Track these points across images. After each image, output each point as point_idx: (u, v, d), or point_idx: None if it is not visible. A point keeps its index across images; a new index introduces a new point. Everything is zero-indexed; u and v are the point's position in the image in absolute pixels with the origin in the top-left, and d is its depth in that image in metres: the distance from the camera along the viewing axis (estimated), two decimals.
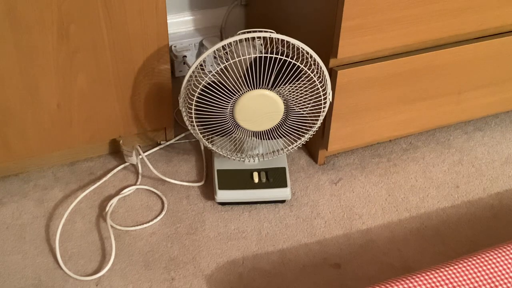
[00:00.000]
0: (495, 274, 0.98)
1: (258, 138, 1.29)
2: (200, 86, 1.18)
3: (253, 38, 1.17)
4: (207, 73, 1.18)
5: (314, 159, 1.47)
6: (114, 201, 1.34)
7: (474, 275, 0.98)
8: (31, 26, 1.14)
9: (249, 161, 1.35)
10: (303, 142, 1.31)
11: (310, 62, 1.17)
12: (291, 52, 1.16)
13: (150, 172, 1.41)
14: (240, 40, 1.17)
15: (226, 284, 1.21)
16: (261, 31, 1.15)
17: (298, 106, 1.24)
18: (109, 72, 1.27)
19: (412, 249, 1.28)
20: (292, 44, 1.16)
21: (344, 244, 1.29)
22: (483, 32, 1.34)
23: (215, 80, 1.18)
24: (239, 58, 1.15)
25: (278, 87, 1.19)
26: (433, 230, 1.32)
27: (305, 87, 1.21)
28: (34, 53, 1.18)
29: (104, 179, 1.39)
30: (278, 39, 1.15)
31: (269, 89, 1.19)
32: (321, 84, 1.20)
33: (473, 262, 1.00)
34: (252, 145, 1.33)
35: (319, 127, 1.28)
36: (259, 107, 1.21)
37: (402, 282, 0.96)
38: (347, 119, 1.34)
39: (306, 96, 1.22)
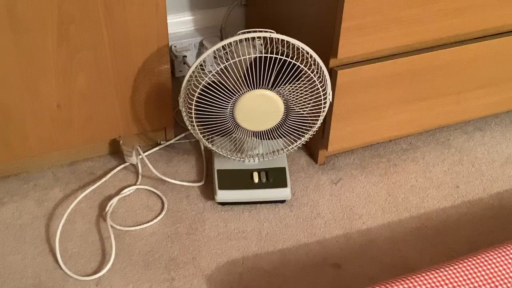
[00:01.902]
0: (495, 274, 0.98)
1: (258, 138, 1.29)
2: (200, 86, 1.18)
3: (253, 38, 1.17)
4: (207, 73, 1.18)
5: (314, 159, 1.47)
6: (114, 201, 1.34)
7: (474, 275, 0.98)
8: (31, 26, 1.14)
9: (249, 161, 1.35)
10: (303, 142, 1.31)
11: (310, 62, 1.17)
12: (291, 52, 1.16)
13: (150, 172, 1.41)
14: (240, 40, 1.17)
15: (226, 284, 1.21)
16: (261, 31, 1.15)
17: (298, 106, 1.24)
18: (109, 72, 1.27)
19: (412, 249, 1.28)
20: (292, 44, 1.16)
21: (344, 244, 1.29)
22: (483, 32, 1.34)
23: (215, 80, 1.18)
24: (239, 58, 1.15)
25: (278, 87, 1.19)
26: (433, 230, 1.32)
27: (305, 87, 1.21)
28: (34, 53, 1.18)
29: (104, 179, 1.39)
30: (278, 39, 1.15)
31: (269, 89, 1.19)
32: (321, 84, 1.20)
33: (473, 262, 1.00)
34: (252, 145, 1.33)
35: (319, 127, 1.28)
36: (259, 107, 1.21)
37: (402, 282, 0.96)
38: (347, 119, 1.34)
39: (306, 96, 1.22)
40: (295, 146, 1.32)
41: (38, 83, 1.22)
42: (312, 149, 1.47)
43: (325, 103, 1.23)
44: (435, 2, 1.21)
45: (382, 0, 1.16)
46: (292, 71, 1.16)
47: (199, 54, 1.67)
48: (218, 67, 1.16)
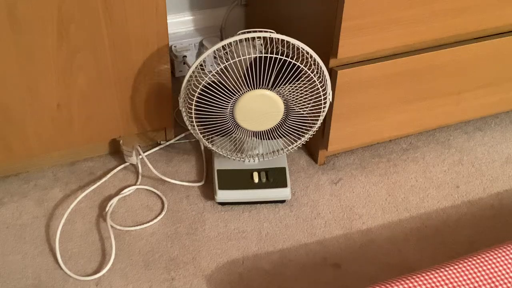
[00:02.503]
0: (495, 274, 0.98)
1: (258, 138, 1.29)
2: (200, 86, 1.18)
3: (253, 38, 1.17)
4: (207, 73, 1.18)
5: (314, 159, 1.47)
6: (114, 201, 1.34)
7: (474, 275, 0.98)
8: (31, 26, 1.14)
9: (249, 161, 1.35)
10: (303, 142, 1.31)
11: (310, 62, 1.17)
12: (291, 52, 1.16)
13: (150, 172, 1.41)
14: (240, 40, 1.17)
15: (226, 284, 1.21)
16: (261, 31, 1.15)
17: (298, 106, 1.24)
18: (109, 72, 1.27)
19: (412, 249, 1.28)
20: (292, 44, 1.16)
21: (344, 244, 1.29)
22: (483, 32, 1.34)
23: (215, 80, 1.18)
24: (239, 58, 1.15)
25: (278, 87, 1.19)
26: (433, 230, 1.32)
27: (305, 87, 1.21)
28: (34, 53, 1.18)
29: (104, 179, 1.39)
30: (278, 39, 1.15)
31: (269, 89, 1.19)
32: (321, 84, 1.20)
33: (473, 262, 1.00)
34: (252, 145, 1.33)
35: (319, 127, 1.28)
36: (259, 107, 1.21)
37: (402, 282, 0.96)
38: (347, 119, 1.34)
39: (306, 96, 1.22)
40: (295, 146, 1.32)
41: (38, 83, 1.22)
42: (312, 149, 1.47)
43: (325, 103, 1.23)
44: (435, 2, 1.21)
45: (382, 0, 1.16)
46: (292, 71, 1.16)
47: (199, 54, 1.67)
48: (218, 67, 1.16)
